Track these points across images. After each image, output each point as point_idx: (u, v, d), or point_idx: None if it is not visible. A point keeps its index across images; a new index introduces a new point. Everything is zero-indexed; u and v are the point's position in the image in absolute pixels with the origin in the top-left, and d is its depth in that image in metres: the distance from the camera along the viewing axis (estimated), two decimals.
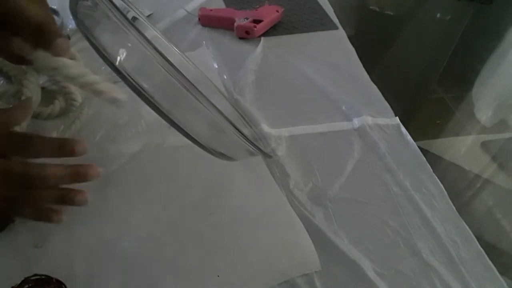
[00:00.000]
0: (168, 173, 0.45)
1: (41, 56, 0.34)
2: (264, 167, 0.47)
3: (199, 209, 0.42)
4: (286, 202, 0.44)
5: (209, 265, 0.38)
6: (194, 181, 0.45)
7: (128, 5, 0.49)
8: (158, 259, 0.38)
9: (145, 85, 0.30)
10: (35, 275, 0.33)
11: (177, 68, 0.28)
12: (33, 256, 0.37)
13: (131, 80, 0.30)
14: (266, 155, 0.37)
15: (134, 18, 0.51)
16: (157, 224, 0.41)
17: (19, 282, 0.32)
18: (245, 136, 0.32)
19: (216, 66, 0.63)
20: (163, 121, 0.32)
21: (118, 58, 0.30)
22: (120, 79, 0.30)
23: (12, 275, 0.33)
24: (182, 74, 0.28)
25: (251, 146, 0.33)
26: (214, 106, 0.30)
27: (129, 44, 0.29)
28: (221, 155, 0.36)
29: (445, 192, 0.48)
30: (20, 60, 0.37)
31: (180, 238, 0.40)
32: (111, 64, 0.30)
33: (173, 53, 0.51)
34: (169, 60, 0.28)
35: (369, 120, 0.55)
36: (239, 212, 0.43)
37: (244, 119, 0.49)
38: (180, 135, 0.33)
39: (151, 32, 0.51)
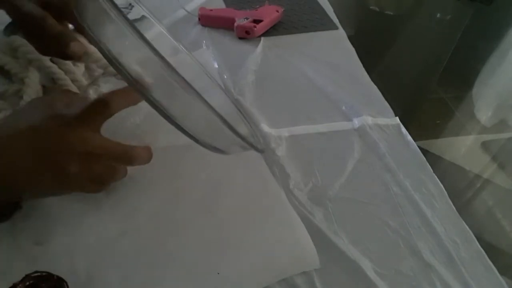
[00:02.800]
0: (169, 172, 0.45)
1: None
2: (264, 165, 0.47)
3: (199, 207, 0.43)
4: (285, 200, 0.44)
5: (209, 263, 0.38)
6: (194, 180, 0.45)
7: (135, 1, 0.50)
8: (158, 257, 0.38)
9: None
10: (36, 272, 0.33)
11: (171, 65, 0.28)
12: (34, 253, 0.37)
13: (128, 75, 0.30)
14: (257, 149, 0.37)
15: (143, 17, 0.51)
16: (157, 222, 0.41)
17: (20, 279, 0.32)
18: (235, 130, 0.32)
19: (216, 66, 0.63)
20: (157, 122, 0.33)
21: (116, 53, 0.30)
22: (117, 73, 0.31)
23: (13, 272, 0.33)
24: (176, 71, 0.29)
25: (242, 140, 0.33)
26: (206, 101, 0.30)
27: (127, 40, 0.29)
28: (214, 149, 0.37)
29: (445, 192, 0.48)
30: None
31: (180, 236, 0.40)
32: (109, 58, 0.31)
33: (177, 48, 0.51)
34: (163, 57, 0.28)
35: (369, 120, 0.55)
36: (238, 210, 0.43)
37: (243, 114, 0.49)
38: (178, 136, 0.34)
39: (157, 29, 0.51)
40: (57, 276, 0.33)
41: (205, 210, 0.42)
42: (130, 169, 0.41)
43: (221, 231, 0.41)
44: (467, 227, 0.44)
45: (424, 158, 0.52)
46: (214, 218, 0.42)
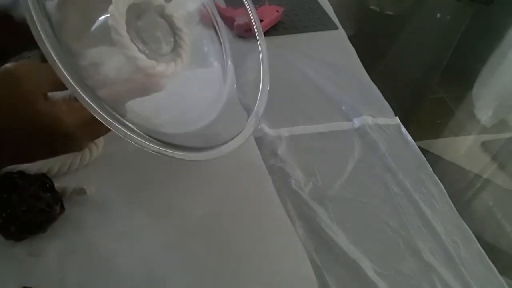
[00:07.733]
0: (169, 193, 0.43)
1: None
2: (271, 185, 0.44)
3: (198, 230, 0.41)
4: (291, 229, 0.41)
5: None
6: (194, 202, 0.43)
7: None
8: (150, 279, 0.37)
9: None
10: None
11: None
12: (28, 265, 0.36)
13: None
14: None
15: None
16: (154, 243, 0.40)
17: None
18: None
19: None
20: None
21: None
22: None
23: (5, 283, 0.32)
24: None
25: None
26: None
27: None
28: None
29: (445, 192, 0.48)
30: None
31: (175, 260, 0.39)
32: None
33: None
34: None
35: (369, 120, 0.55)
36: (240, 236, 0.41)
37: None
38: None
39: None
40: None
41: (204, 233, 0.40)
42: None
43: (220, 257, 0.39)
44: (467, 227, 0.44)
45: (424, 158, 0.52)
46: (213, 243, 0.40)
